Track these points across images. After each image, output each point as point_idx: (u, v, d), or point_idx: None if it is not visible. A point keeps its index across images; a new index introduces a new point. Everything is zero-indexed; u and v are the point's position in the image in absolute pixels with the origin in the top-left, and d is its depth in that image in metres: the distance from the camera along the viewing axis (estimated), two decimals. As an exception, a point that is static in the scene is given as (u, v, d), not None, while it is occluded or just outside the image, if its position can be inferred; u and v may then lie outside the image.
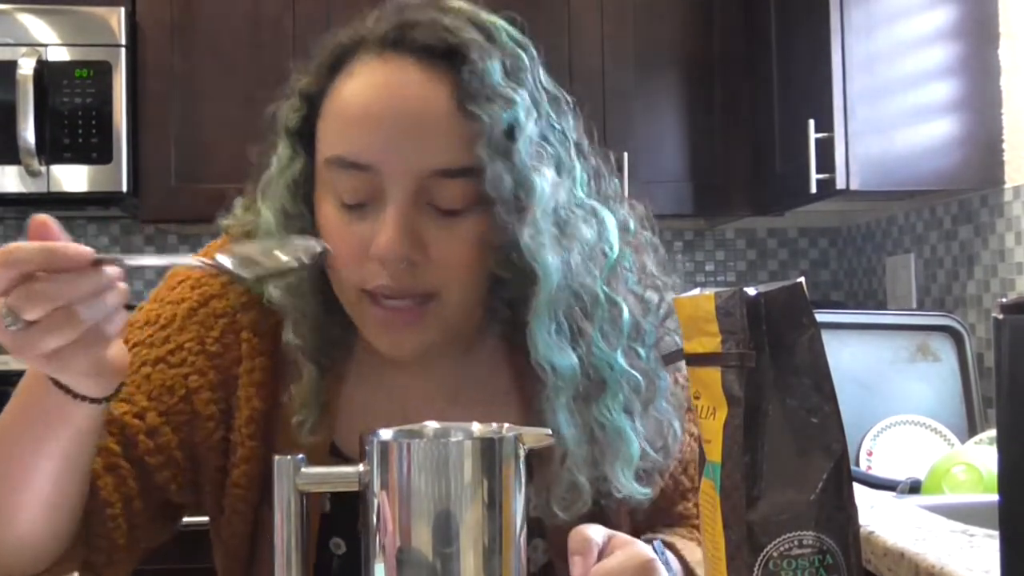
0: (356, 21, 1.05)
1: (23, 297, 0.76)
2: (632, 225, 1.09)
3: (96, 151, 2.87)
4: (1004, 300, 0.83)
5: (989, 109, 2.49)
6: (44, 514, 0.95)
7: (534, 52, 1.05)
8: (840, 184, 2.47)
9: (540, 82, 1.04)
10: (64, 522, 0.98)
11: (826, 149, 2.49)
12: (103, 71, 2.89)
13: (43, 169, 2.84)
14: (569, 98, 1.07)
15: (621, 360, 1.02)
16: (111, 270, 0.80)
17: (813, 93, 2.60)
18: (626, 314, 1.03)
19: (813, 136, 2.52)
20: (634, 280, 1.07)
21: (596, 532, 0.92)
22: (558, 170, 1.01)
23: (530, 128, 0.98)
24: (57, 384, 0.88)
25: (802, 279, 0.83)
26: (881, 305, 3.13)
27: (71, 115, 2.87)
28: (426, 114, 0.96)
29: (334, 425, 1.08)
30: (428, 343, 1.03)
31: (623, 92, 3.06)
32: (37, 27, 2.89)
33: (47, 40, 2.89)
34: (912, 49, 2.50)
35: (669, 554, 1.01)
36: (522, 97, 0.98)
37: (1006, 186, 2.46)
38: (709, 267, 3.55)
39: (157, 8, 3.00)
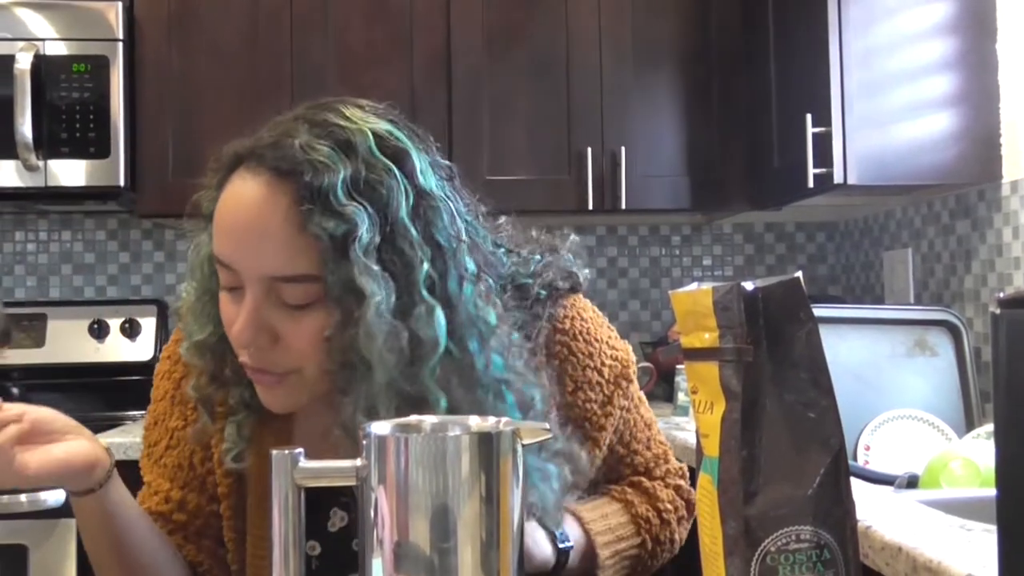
0: (250, 133, 1.16)
1: None
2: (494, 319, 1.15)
3: (93, 146, 2.87)
4: (1001, 295, 0.83)
5: (987, 104, 2.49)
6: None
7: (413, 156, 1.11)
8: (838, 179, 2.47)
9: (405, 187, 1.09)
10: None
11: (824, 144, 2.50)
12: (101, 65, 2.89)
13: (40, 163, 2.84)
14: (448, 191, 1.15)
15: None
16: None
17: (811, 88, 2.60)
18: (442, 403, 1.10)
19: (811, 131, 2.52)
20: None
21: None
22: (398, 273, 1.08)
23: (367, 239, 1.05)
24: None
25: (800, 274, 0.84)
26: (879, 300, 3.13)
27: (68, 110, 2.86)
28: (267, 227, 1.07)
29: (261, 452, 1.23)
30: (297, 402, 1.17)
31: (621, 87, 3.06)
32: (34, 21, 2.89)
33: (44, 34, 2.88)
34: (910, 44, 2.50)
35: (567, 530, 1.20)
36: (362, 211, 1.06)
37: (1003, 181, 2.47)
38: (706, 262, 3.55)
39: (155, 3, 3.00)
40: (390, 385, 1.08)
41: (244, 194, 1.09)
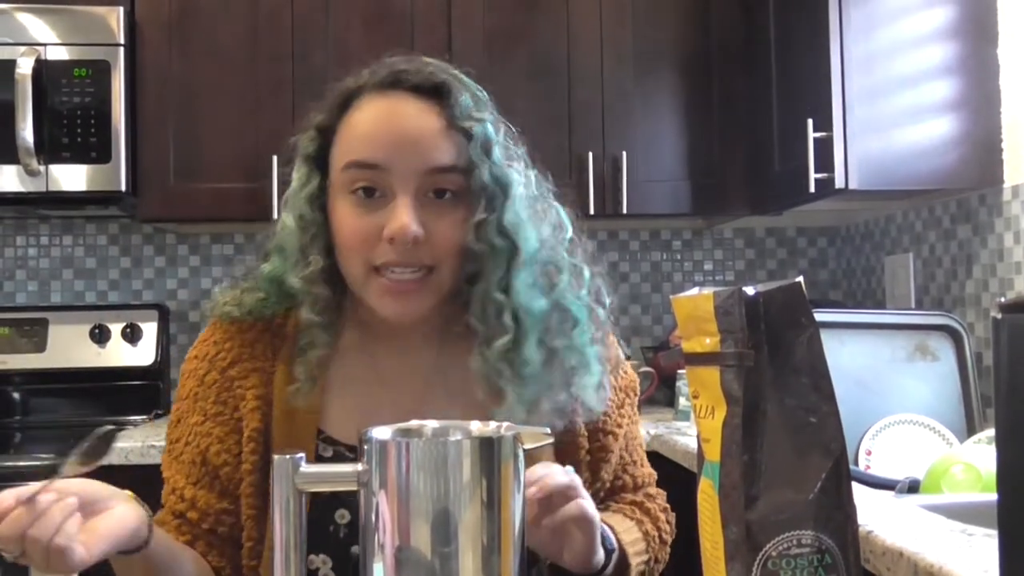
0: (355, 74, 1.32)
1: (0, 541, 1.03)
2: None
3: (95, 150, 2.87)
4: (1003, 299, 0.83)
5: (988, 108, 2.49)
6: None
7: (488, 96, 1.33)
8: (839, 183, 2.47)
9: (496, 115, 1.32)
10: None
11: (825, 148, 2.50)
12: (102, 70, 2.89)
13: (42, 168, 2.84)
14: (514, 130, 1.35)
15: (586, 302, 1.31)
16: (45, 497, 1.02)
17: (812, 92, 2.60)
18: (587, 273, 1.33)
19: (812, 135, 2.52)
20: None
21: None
22: (523, 171, 1.30)
23: (500, 139, 1.28)
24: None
25: (801, 278, 0.84)
26: (880, 304, 3.13)
27: (70, 114, 2.87)
28: (423, 129, 1.24)
29: (322, 397, 1.32)
30: (425, 308, 1.27)
31: (622, 91, 3.06)
32: (36, 26, 2.89)
33: (46, 39, 2.89)
34: (911, 48, 2.50)
35: (607, 530, 1.24)
36: (490, 119, 1.28)
37: (1005, 185, 2.47)
38: (707, 266, 3.55)
39: (156, 7, 3.00)
40: (529, 262, 1.26)
41: (394, 106, 1.25)
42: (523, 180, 1.28)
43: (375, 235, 1.23)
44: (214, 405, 1.33)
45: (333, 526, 1.28)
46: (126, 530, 1.09)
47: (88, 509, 1.06)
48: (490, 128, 1.26)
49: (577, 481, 1.12)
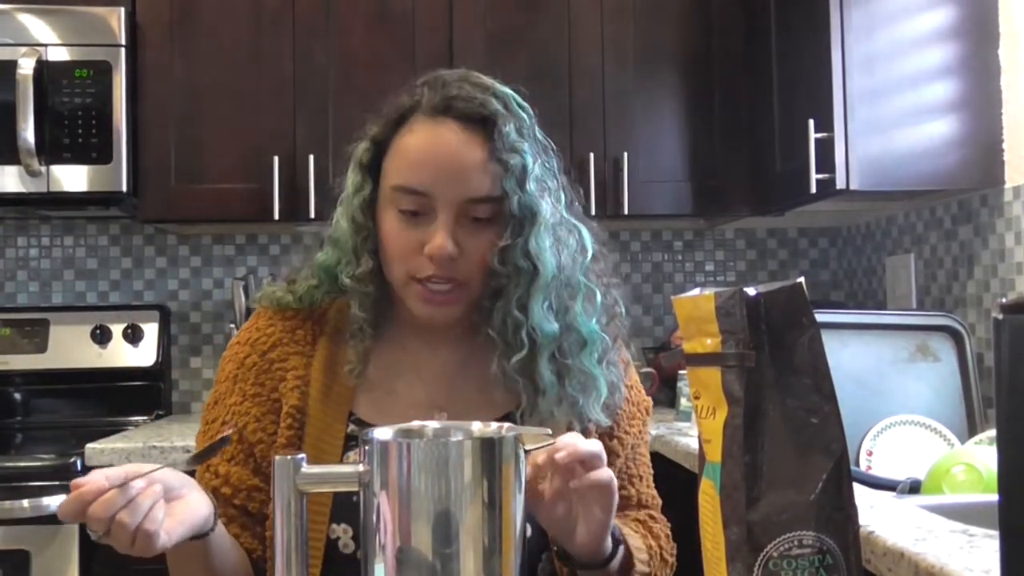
0: (409, 89, 1.41)
1: (89, 520, 1.08)
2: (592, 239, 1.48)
3: (96, 151, 2.87)
4: (1004, 300, 0.83)
5: (989, 109, 2.49)
6: None
7: (532, 113, 1.43)
8: (840, 184, 2.47)
9: (537, 136, 1.43)
10: None
11: (826, 149, 2.50)
12: (103, 71, 2.89)
13: (43, 169, 2.85)
14: (553, 146, 1.45)
15: (595, 327, 1.41)
16: (137, 483, 1.07)
17: (813, 93, 2.60)
18: (599, 296, 1.42)
19: (813, 136, 2.52)
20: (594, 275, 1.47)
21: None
22: (553, 197, 1.41)
23: (535, 170, 1.37)
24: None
25: (802, 279, 0.84)
26: (881, 305, 3.13)
27: (71, 115, 2.87)
28: (466, 161, 1.35)
29: (362, 383, 1.42)
30: (455, 315, 1.40)
31: (623, 92, 3.06)
32: (37, 27, 2.89)
33: (47, 40, 2.89)
34: (912, 49, 2.50)
35: (615, 525, 1.27)
36: (530, 149, 1.38)
37: (1006, 186, 2.47)
38: (709, 267, 3.55)
39: (157, 8, 3.00)
40: (546, 286, 1.36)
41: (443, 135, 1.35)
42: (551, 208, 1.38)
43: (416, 249, 1.35)
44: (253, 386, 1.42)
45: (356, 496, 1.31)
46: (200, 517, 1.16)
47: (167, 496, 1.12)
48: (528, 159, 1.36)
49: (603, 453, 1.16)
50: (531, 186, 1.36)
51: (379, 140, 1.42)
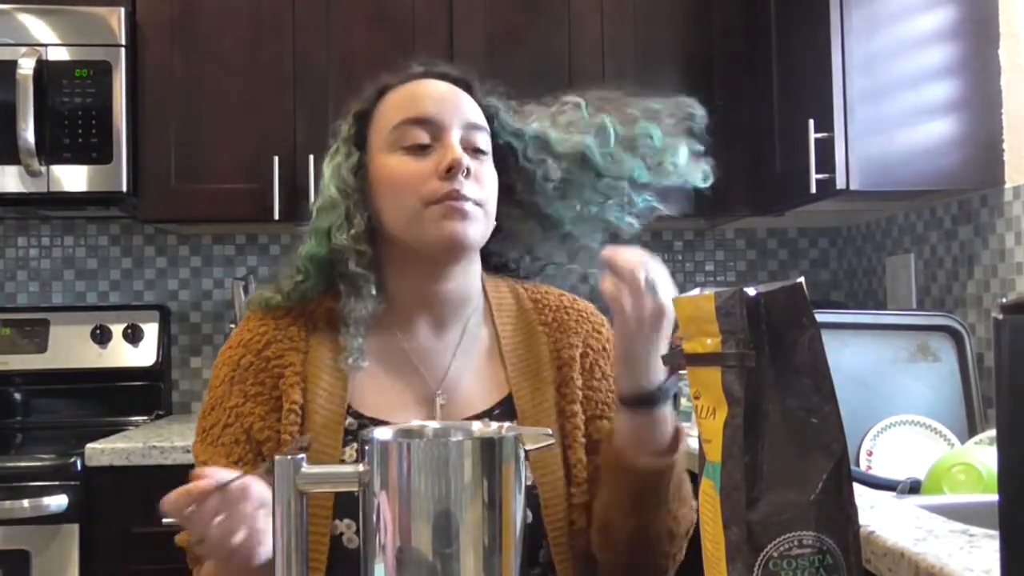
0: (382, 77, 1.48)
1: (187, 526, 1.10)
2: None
3: (96, 151, 2.87)
4: (1004, 300, 0.83)
5: (989, 109, 2.49)
6: None
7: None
8: (840, 184, 2.47)
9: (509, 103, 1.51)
10: None
11: (826, 149, 2.50)
12: (103, 71, 2.89)
13: (43, 169, 2.85)
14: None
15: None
16: (233, 488, 1.06)
17: (813, 93, 2.60)
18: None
19: (813, 136, 2.52)
20: None
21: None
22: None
23: (511, 119, 1.47)
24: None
25: (802, 279, 0.84)
26: (881, 305, 3.13)
27: (71, 115, 2.87)
28: (457, 93, 1.42)
29: (358, 375, 1.41)
30: (478, 236, 1.38)
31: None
32: (37, 27, 2.89)
33: (47, 40, 2.89)
34: (912, 49, 2.50)
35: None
36: (499, 102, 1.47)
37: (1006, 186, 2.47)
38: (709, 267, 3.55)
39: (157, 8, 3.00)
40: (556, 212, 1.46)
41: (430, 82, 1.43)
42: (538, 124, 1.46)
43: (429, 173, 1.35)
44: (253, 386, 1.40)
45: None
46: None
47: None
48: (503, 107, 1.46)
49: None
50: (512, 123, 1.46)
51: (361, 114, 1.46)
